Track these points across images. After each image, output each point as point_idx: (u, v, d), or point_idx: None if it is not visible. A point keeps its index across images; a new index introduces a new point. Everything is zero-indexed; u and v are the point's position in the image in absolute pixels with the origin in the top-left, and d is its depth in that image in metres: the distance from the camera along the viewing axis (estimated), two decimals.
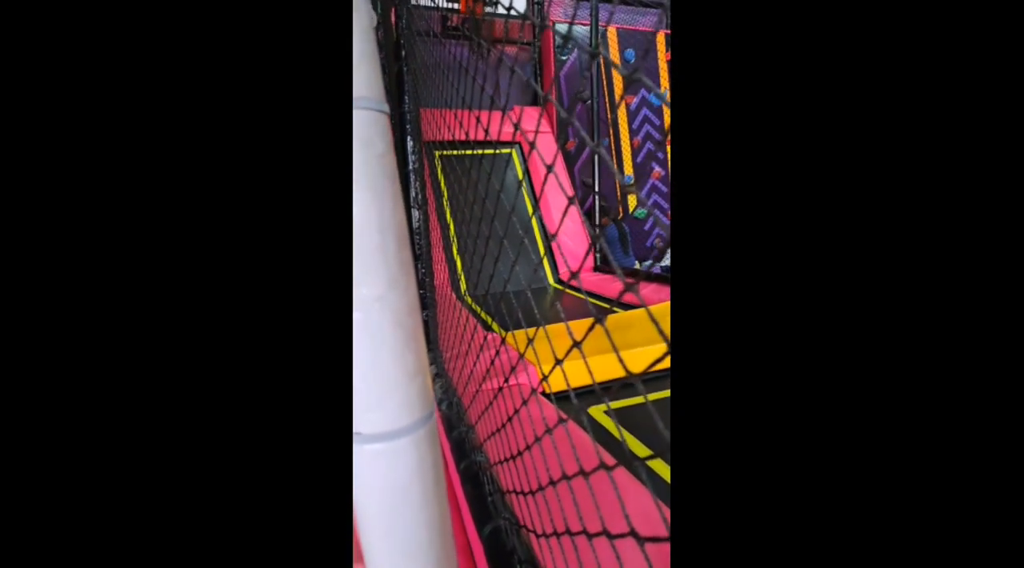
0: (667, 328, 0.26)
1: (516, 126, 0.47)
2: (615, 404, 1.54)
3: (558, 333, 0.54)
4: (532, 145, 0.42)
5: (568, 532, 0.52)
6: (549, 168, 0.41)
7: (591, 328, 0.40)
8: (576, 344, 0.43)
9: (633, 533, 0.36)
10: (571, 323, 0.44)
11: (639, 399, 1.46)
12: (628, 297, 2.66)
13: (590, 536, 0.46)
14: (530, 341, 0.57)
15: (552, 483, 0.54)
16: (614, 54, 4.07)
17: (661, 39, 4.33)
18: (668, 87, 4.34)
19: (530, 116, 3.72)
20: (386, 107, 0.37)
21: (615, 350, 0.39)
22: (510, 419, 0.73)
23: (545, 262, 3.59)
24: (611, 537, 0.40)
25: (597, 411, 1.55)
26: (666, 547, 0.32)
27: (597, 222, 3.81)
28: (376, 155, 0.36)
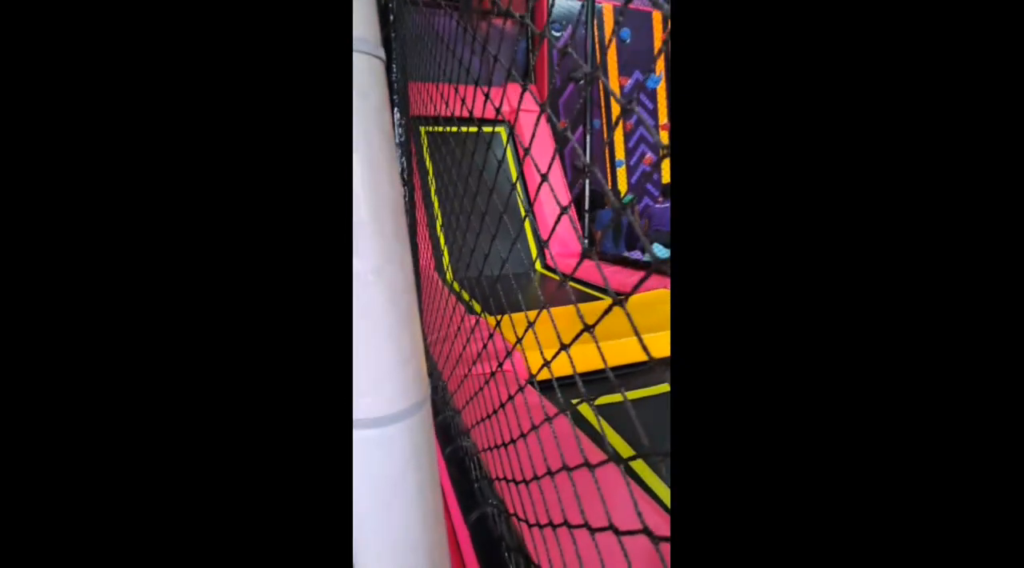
0: (650, 317, 0.24)
1: (517, 78, 0.42)
2: (599, 401, 1.51)
3: (543, 320, 0.52)
4: (520, 108, 0.38)
5: (567, 524, 0.49)
6: (554, 117, 0.37)
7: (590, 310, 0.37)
8: (548, 317, 0.40)
9: (646, 531, 0.34)
10: (554, 310, 0.43)
11: (618, 398, 1.44)
12: (613, 285, 2.65)
13: (592, 531, 0.43)
14: (510, 326, 0.54)
15: (550, 473, 0.52)
16: (609, 32, 3.98)
17: (658, 18, 4.26)
18: (663, 70, 4.28)
19: (518, 93, 3.63)
20: (382, 53, 0.32)
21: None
22: (503, 406, 0.70)
23: (533, 248, 3.56)
24: (619, 533, 0.38)
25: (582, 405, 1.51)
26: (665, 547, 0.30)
27: (587, 206, 3.76)
28: (372, 108, 0.31)
